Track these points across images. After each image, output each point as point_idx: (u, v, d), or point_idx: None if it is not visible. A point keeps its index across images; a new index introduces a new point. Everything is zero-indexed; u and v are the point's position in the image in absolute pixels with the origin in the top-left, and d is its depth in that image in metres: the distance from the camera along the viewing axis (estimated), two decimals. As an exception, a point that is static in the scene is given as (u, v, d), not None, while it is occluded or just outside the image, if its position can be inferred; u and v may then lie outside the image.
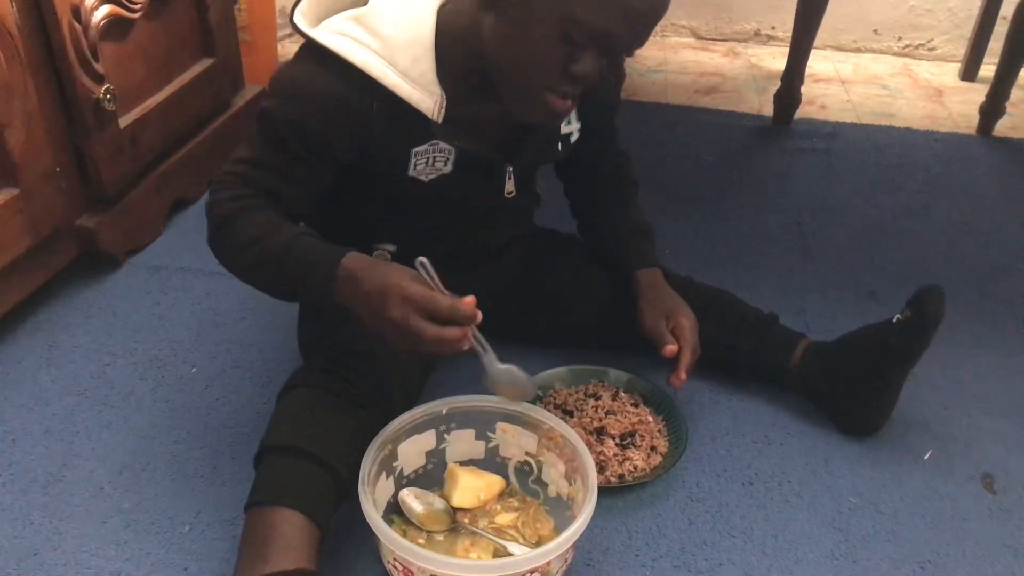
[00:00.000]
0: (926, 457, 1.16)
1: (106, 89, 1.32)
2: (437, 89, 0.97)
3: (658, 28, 2.63)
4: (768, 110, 2.15)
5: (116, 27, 1.36)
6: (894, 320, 1.12)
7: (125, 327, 1.34)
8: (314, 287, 0.92)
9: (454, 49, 0.97)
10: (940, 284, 1.13)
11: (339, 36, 0.95)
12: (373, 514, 0.89)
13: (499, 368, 0.99)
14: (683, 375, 1.13)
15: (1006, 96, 2.04)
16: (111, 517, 1.03)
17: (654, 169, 1.85)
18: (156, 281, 1.44)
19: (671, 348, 1.13)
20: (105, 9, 1.32)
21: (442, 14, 0.98)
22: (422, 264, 0.90)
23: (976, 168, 1.95)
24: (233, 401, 1.21)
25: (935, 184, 1.87)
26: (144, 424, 1.17)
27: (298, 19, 0.98)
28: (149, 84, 1.49)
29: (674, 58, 2.50)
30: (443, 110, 0.98)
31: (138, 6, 1.39)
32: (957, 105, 2.27)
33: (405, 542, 0.87)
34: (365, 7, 0.97)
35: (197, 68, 1.63)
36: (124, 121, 1.41)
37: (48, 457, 1.11)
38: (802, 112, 2.11)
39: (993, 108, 2.06)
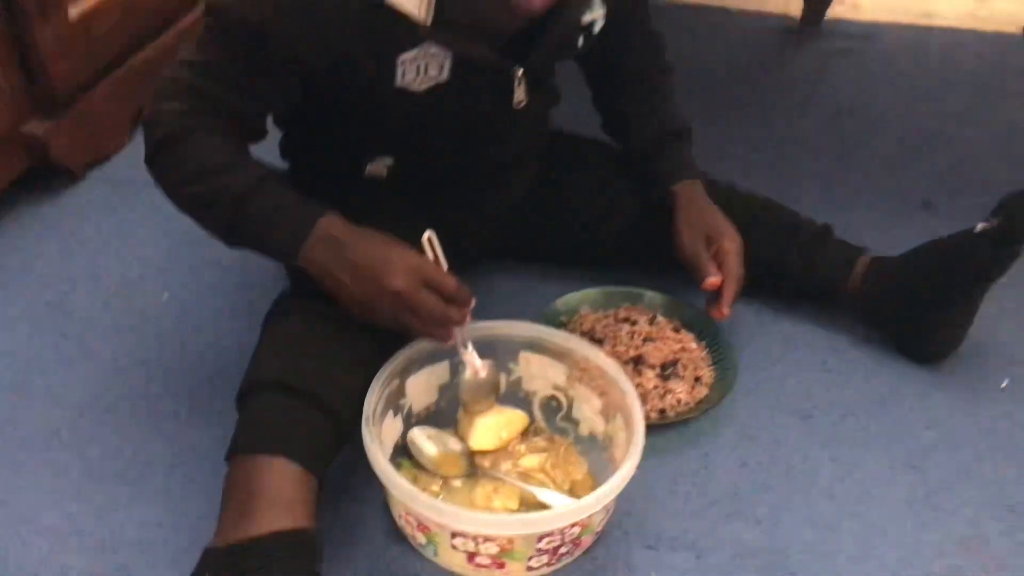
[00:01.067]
0: (1003, 386, 1.02)
1: (48, -32, 1.13)
2: None
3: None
4: (795, 9, 1.95)
5: None
6: (976, 230, 0.96)
7: (86, 248, 1.17)
8: (276, 244, 0.80)
9: None
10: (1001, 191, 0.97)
11: None
12: (382, 461, 0.75)
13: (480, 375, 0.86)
14: (726, 310, 0.98)
15: (1058, -9, 1.85)
16: (70, 467, 0.89)
17: (678, 74, 1.66)
18: (121, 196, 1.26)
19: (713, 280, 0.97)
20: None
21: None
22: (429, 240, 0.82)
23: (1027, 70, 1.77)
24: (211, 330, 1.05)
25: (983, 89, 1.70)
26: (108, 358, 1.01)
27: None
28: (104, -30, 1.29)
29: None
30: (432, 9, 0.79)
31: None
32: (1002, 2, 2.07)
33: (422, 495, 0.73)
34: None
35: (161, -44, 1.43)
36: (75, 10, 1.22)
37: (-3, 397, 0.96)
38: (834, 12, 1.91)
39: (1043, 5, 1.88)
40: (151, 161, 0.83)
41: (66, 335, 1.04)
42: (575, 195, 1.10)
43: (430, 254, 0.82)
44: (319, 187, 0.99)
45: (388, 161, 0.98)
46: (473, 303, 0.81)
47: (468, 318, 0.81)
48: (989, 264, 0.96)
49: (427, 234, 0.83)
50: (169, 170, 0.82)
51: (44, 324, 1.05)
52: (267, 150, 0.92)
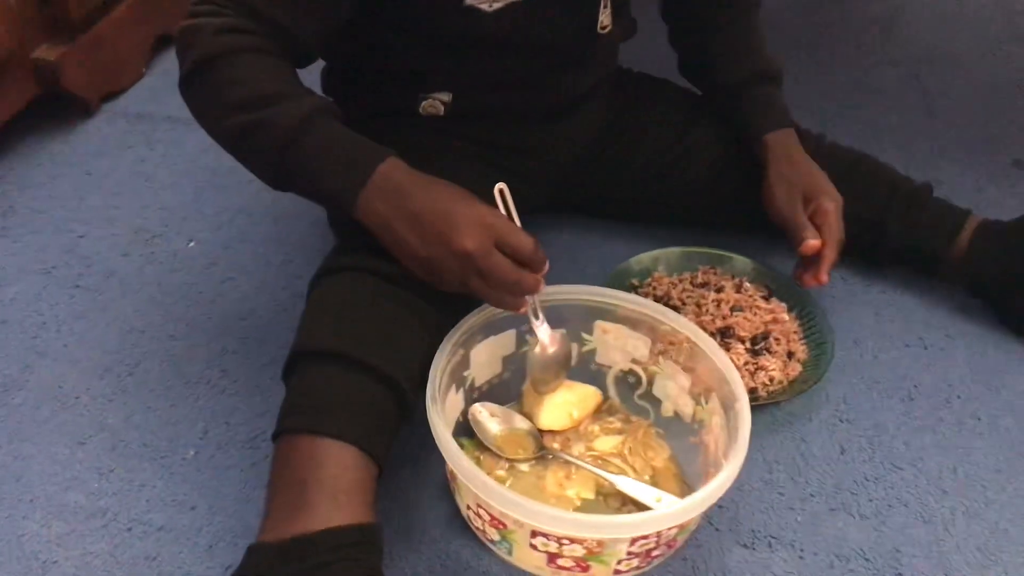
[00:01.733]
0: (1124, 366, 0.92)
1: None
2: None
3: None
4: (860, -56, 1.81)
5: None
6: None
7: (102, 189, 1.06)
8: (331, 189, 0.69)
9: None
10: None
11: None
12: (456, 452, 0.65)
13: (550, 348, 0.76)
14: (824, 276, 0.87)
15: None
16: (90, 437, 0.79)
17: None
18: (140, 132, 1.15)
19: (813, 244, 0.86)
20: None
21: None
22: (501, 191, 0.71)
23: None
24: (244, 284, 0.95)
25: (1074, 34, 1.57)
26: (130, 313, 0.91)
27: None
28: None
29: None
30: None
31: None
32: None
33: (503, 490, 0.63)
34: None
35: None
36: (86, -78, 1.09)
37: (5, 356, 0.86)
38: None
39: None
40: (186, 84, 0.72)
41: (82, 285, 0.94)
42: (648, 140, 0.98)
43: (501, 209, 0.71)
44: (367, 126, 0.88)
45: (446, 97, 0.86)
46: (548, 268, 0.70)
47: (542, 285, 0.70)
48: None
49: (499, 185, 0.72)
50: (208, 96, 0.71)
51: (58, 272, 0.95)
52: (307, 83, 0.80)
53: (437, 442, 0.66)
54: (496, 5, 0.75)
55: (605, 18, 0.82)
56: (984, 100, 1.37)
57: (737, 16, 0.96)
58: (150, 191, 1.06)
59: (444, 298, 0.72)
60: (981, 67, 1.45)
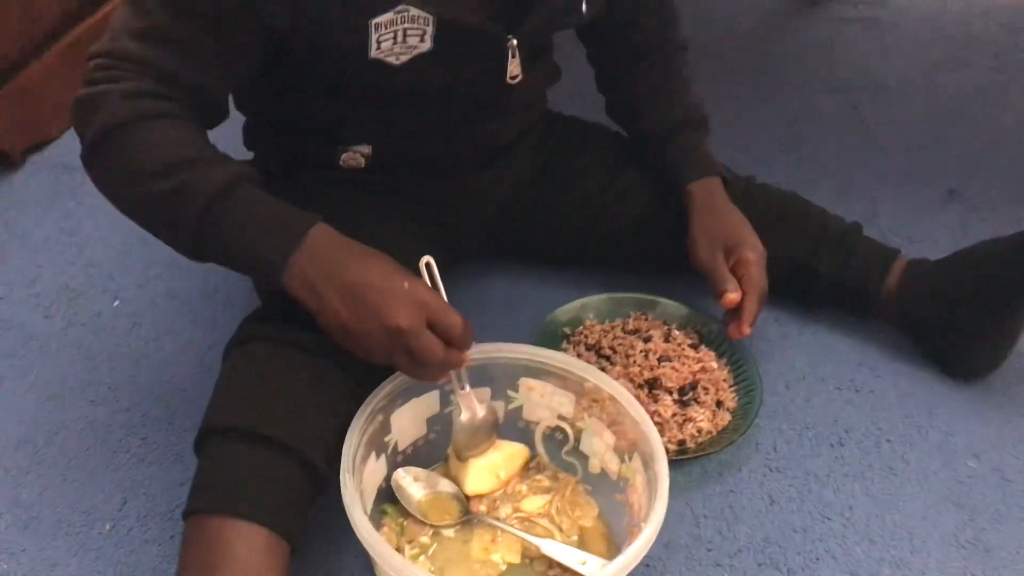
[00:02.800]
0: (1053, 406, 0.93)
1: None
2: None
3: None
4: (803, -30, 1.82)
5: None
6: (1028, 235, 0.86)
7: (24, 247, 1.03)
8: (256, 258, 0.67)
9: None
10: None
11: None
12: (366, 530, 0.63)
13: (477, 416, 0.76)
14: (746, 329, 0.87)
15: (1084, -46, 1.73)
16: (1, 515, 0.77)
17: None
18: (65, 185, 1.13)
19: (732, 297, 0.86)
20: None
21: None
22: (427, 265, 0.72)
23: (1051, 39, 1.66)
24: (168, 344, 0.93)
25: (1006, 60, 1.58)
26: (51, 379, 0.89)
27: None
28: (42, -75, 1.14)
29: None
30: None
31: None
32: (1019, -34, 1.95)
33: (416, 570, 0.62)
34: None
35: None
36: (7, -28, 1.07)
37: (-84, 429, 0.83)
38: (843, -26, 1.79)
39: (1067, -31, 1.75)
40: (91, 154, 0.69)
41: (0, 350, 0.91)
42: (577, 186, 0.98)
43: (427, 282, 0.70)
44: (290, 182, 0.87)
45: (365, 149, 0.85)
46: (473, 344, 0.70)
47: (467, 359, 0.70)
48: (1045, 273, 0.86)
49: (425, 259, 0.71)
50: (118, 166, 0.68)
51: (-25, 337, 0.93)
52: (228, 140, 0.79)
53: (350, 520, 0.64)
54: (403, 58, 0.74)
55: (514, 68, 0.81)
56: (920, 128, 1.38)
57: (661, 62, 0.96)
58: (75, 247, 1.04)
59: (361, 367, 0.71)
60: (918, 94, 1.47)
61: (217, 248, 0.68)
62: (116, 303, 0.97)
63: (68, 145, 1.20)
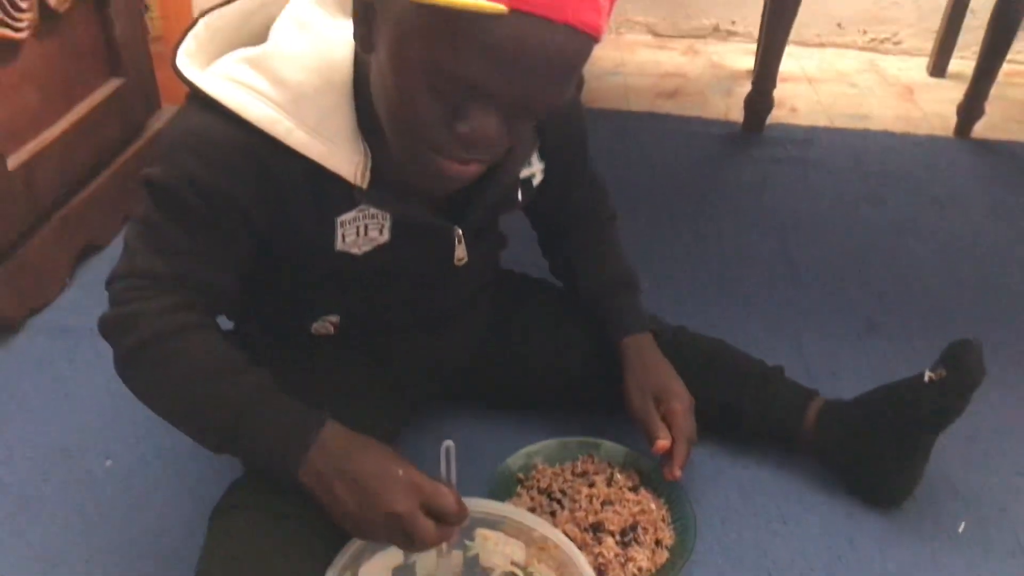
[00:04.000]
0: (960, 530, 1.03)
1: (-13, 126, 1.11)
2: (359, 145, 0.78)
3: (613, 25, 2.47)
4: (735, 113, 2.01)
5: (-1, 51, 1.14)
6: (925, 379, 0.98)
7: (23, 411, 1.12)
8: (275, 457, 0.77)
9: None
10: (954, 323, 0.99)
11: (231, 84, 0.76)
12: None
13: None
14: (677, 472, 0.97)
15: (985, 96, 1.93)
16: (4, 675, 0.84)
17: (622, 185, 1.67)
18: (61, 348, 1.22)
19: (662, 444, 0.97)
20: (-19, 32, 1.10)
21: (359, 49, 0.77)
22: (447, 449, 0.81)
23: (960, 175, 1.83)
24: (158, 503, 1.01)
25: (920, 194, 1.75)
26: (48, 539, 0.96)
27: (182, 62, 0.78)
28: (44, 114, 1.28)
29: (631, 58, 2.34)
30: (367, 172, 0.79)
31: (23, 24, 1.17)
32: (930, 104, 2.16)
33: None
34: (265, 45, 0.78)
35: (104, 90, 1.41)
36: (14, 161, 1.20)
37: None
38: (772, 116, 1.97)
39: (971, 109, 1.95)
40: (126, 366, 0.80)
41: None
42: (526, 338, 1.09)
43: (443, 466, 0.80)
44: (267, 347, 0.98)
45: (333, 319, 0.97)
46: (467, 520, 0.80)
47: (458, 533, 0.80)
48: (939, 413, 0.98)
49: (445, 444, 0.81)
50: (151, 378, 0.80)
51: (-23, 502, 1.00)
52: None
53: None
54: (364, 248, 0.86)
55: (460, 252, 0.92)
56: (843, 262, 1.52)
57: (594, 231, 1.10)
58: (70, 409, 1.13)
59: (339, 531, 0.80)
60: (840, 230, 1.62)
61: (239, 449, 0.80)
62: (108, 463, 1.06)
63: (64, 306, 1.31)
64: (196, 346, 0.78)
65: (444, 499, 0.76)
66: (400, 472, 0.76)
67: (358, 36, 0.73)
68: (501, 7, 0.62)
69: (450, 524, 0.77)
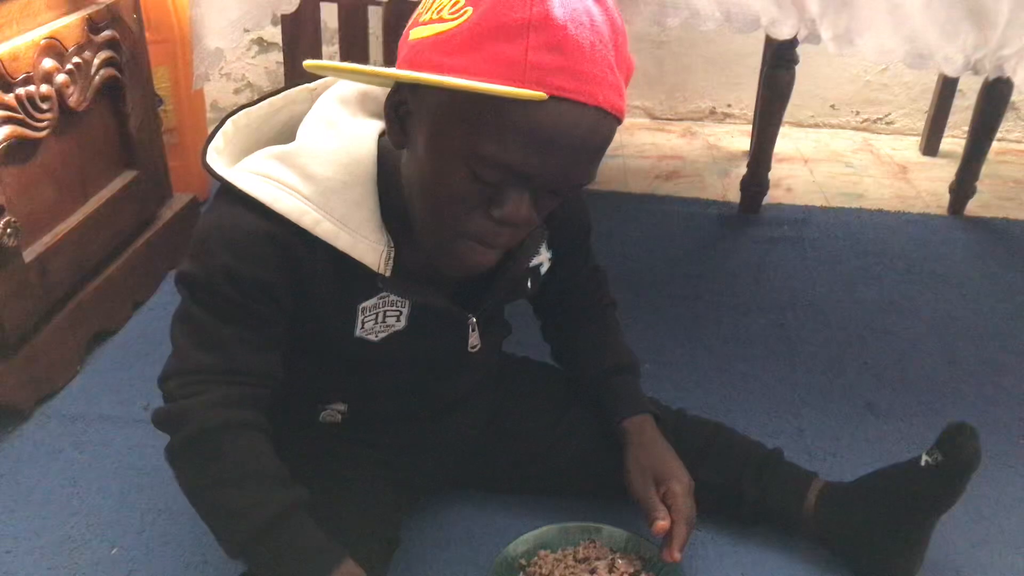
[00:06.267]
0: (964, 612, 1.02)
1: (6, 223, 1.15)
2: (383, 236, 0.83)
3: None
4: (732, 194, 2.05)
5: (18, 149, 1.19)
6: (922, 463, 0.99)
7: (31, 500, 1.14)
8: None
9: (400, 185, 0.83)
10: (951, 403, 1.00)
11: (260, 179, 0.81)
12: None
13: None
14: (677, 554, 0.98)
15: (976, 175, 1.98)
16: None
17: (621, 266, 1.72)
18: (70, 435, 1.24)
19: (662, 525, 0.98)
20: (4, 131, 1.15)
21: (384, 143, 0.83)
22: None
23: (955, 252, 1.86)
24: (161, 591, 1.02)
25: (915, 272, 1.78)
26: (50, 632, 0.97)
27: (212, 158, 0.83)
28: (60, 208, 1.32)
29: (630, 141, 2.40)
30: (391, 261, 0.84)
31: (44, 123, 1.22)
32: (924, 182, 2.20)
33: None
34: (293, 143, 0.83)
35: (118, 183, 1.46)
36: (30, 254, 1.23)
37: None
38: (769, 196, 2.01)
39: (963, 188, 2.00)
40: (175, 457, 0.83)
41: (6, 604, 1.00)
42: (528, 425, 1.11)
43: None
44: (275, 436, 1.00)
45: (342, 407, 0.99)
46: None
47: None
48: (937, 497, 0.98)
49: None
50: (198, 469, 0.82)
51: (-18, 593, 1.01)
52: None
53: None
54: (381, 335, 0.90)
55: (474, 339, 0.96)
56: (841, 343, 1.54)
57: (594, 318, 1.12)
58: (77, 497, 1.14)
59: None
60: (837, 310, 1.64)
61: (256, 558, 0.81)
62: (114, 551, 1.07)
63: (74, 394, 1.33)
64: (240, 447, 0.81)
65: None
66: None
67: (391, 133, 0.79)
68: (542, 94, 0.68)
69: None
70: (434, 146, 0.75)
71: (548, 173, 0.74)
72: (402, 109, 0.78)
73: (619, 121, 0.74)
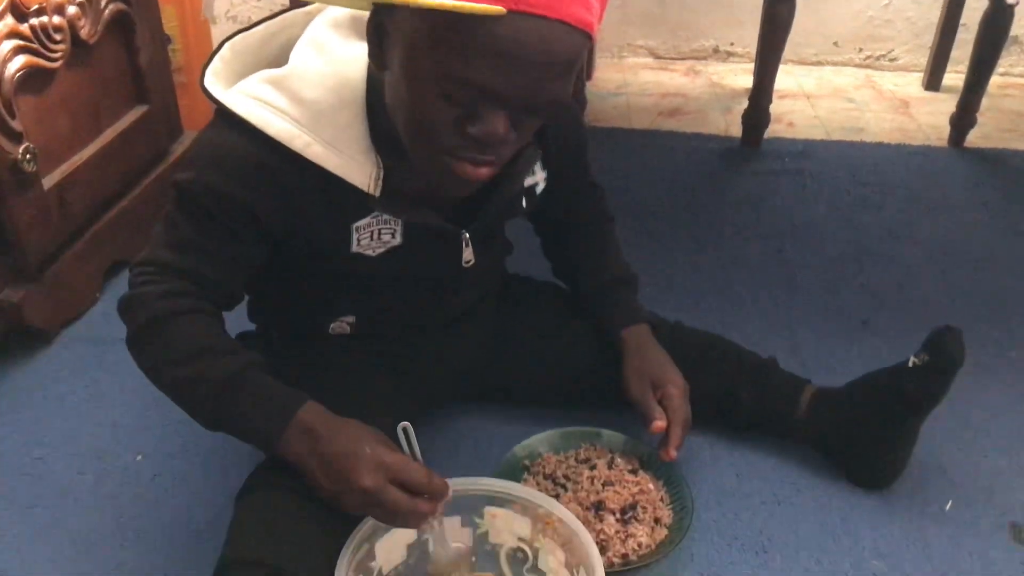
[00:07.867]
0: (947, 508, 1.07)
1: (25, 148, 1.19)
2: (372, 157, 0.86)
3: (615, 49, 2.56)
4: (734, 130, 2.08)
5: (34, 79, 1.23)
6: (909, 364, 1.03)
7: (59, 412, 1.20)
8: (255, 433, 0.85)
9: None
10: (946, 320, 1.05)
11: (254, 102, 0.84)
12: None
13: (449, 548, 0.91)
14: (673, 452, 1.03)
15: (976, 106, 1.99)
16: (45, 648, 0.90)
17: (624, 198, 1.75)
18: (93, 356, 1.30)
19: (659, 424, 1.03)
20: (20, 60, 1.18)
21: (373, 68, 0.85)
22: (404, 430, 0.86)
23: (954, 182, 1.89)
24: (185, 492, 1.08)
25: (915, 201, 1.81)
26: (84, 527, 1.03)
27: (209, 81, 0.86)
28: (76, 139, 1.36)
29: (634, 79, 2.42)
30: (380, 181, 0.86)
31: (58, 54, 1.26)
32: (925, 116, 2.22)
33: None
34: (285, 67, 0.86)
35: (130, 117, 1.50)
36: (48, 181, 1.28)
37: (-30, 577, 0.97)
38: (770, 131, 2.03)
39: (964, 119, 2.01)
40: (133, 343, 0.88)
41: (40, 504, 1.06)
42: (532, 338, 1.15)
43: (404, 446, 0.86)
44: (287, 347, 1.05)
45: (350, 319, 1.03)
46: (450, 494, 0.85)
47: (441, 507, 0.85)
48: (923, 396, 1.03)
49: (402, 425, 0.87)
50: (153, 353, 0.87)
51: (17, 494, 1.07)
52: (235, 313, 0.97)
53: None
54: (378, 251, 0.93)
55: (468, 255, 0.99)
56: (838, 267, 1.57)
57: (593, 233, 1.16)
58: (103, 410, 1.20)
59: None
60: (835, 235, 1.67)
61: (227, 425, 0.86)
62: (139, 457, 1.13)
63: (95, 319, 1.38)
64: (190, 327, 0.85)
65: (410, 473, 0.81)
66: (368, 450, 0.82)
67: (372, 56, 0.81)
68: (499, 8, 0.69)
69: (430, 496, 0.83)
70: (407, 68, 0.75)
71: (516, 90, 0.73)
72: (381, 32, 0.79)
73: (587, 36, 0.73)
